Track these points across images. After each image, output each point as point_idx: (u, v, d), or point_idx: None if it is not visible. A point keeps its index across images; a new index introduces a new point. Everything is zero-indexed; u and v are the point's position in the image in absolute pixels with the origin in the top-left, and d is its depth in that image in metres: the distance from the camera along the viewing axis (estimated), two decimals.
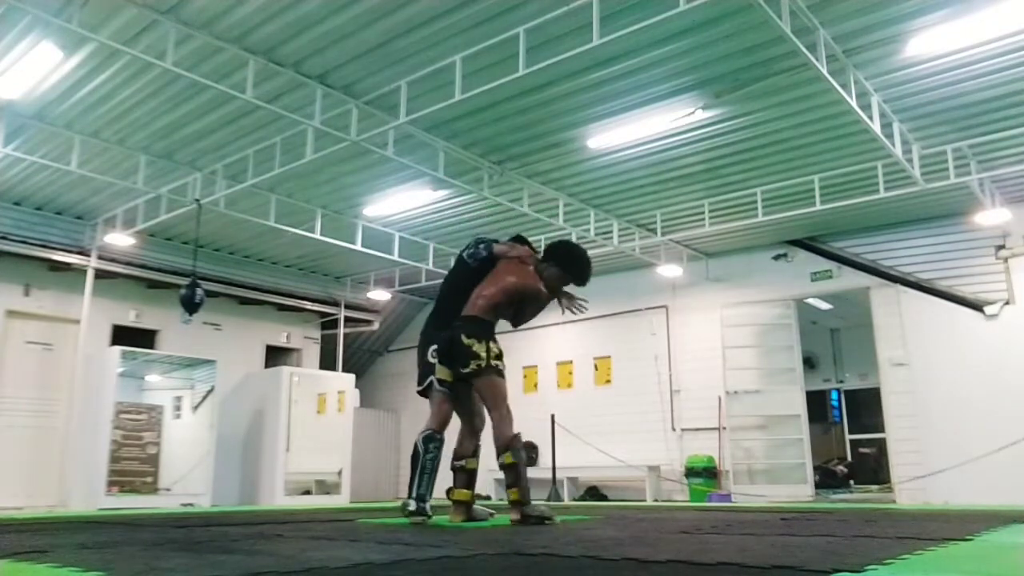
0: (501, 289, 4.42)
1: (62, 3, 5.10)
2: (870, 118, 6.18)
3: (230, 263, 11.01)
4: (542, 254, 4.74)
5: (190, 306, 8.31)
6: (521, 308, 4.54)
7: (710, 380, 10.32)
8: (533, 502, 4.21)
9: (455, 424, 4.59)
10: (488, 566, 2.23)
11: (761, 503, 8.72)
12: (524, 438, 4.53)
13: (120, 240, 9.18)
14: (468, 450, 4.51)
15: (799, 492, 9.44)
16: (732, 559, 2.31)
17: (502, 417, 4.24)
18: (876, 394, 9.79)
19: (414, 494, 4.33)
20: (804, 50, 5.16)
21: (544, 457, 11.15)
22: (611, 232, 9.64)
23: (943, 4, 5.19)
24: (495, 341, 4.33)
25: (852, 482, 12.43)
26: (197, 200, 8.20)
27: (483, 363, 4.22)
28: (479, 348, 4.23)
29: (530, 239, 4.99)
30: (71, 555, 2.54)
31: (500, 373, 4.29)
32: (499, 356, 4.30)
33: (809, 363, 12.95)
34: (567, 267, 4.61)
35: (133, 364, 9.76)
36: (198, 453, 9.74)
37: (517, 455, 4.17)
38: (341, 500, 10.59)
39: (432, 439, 4.40)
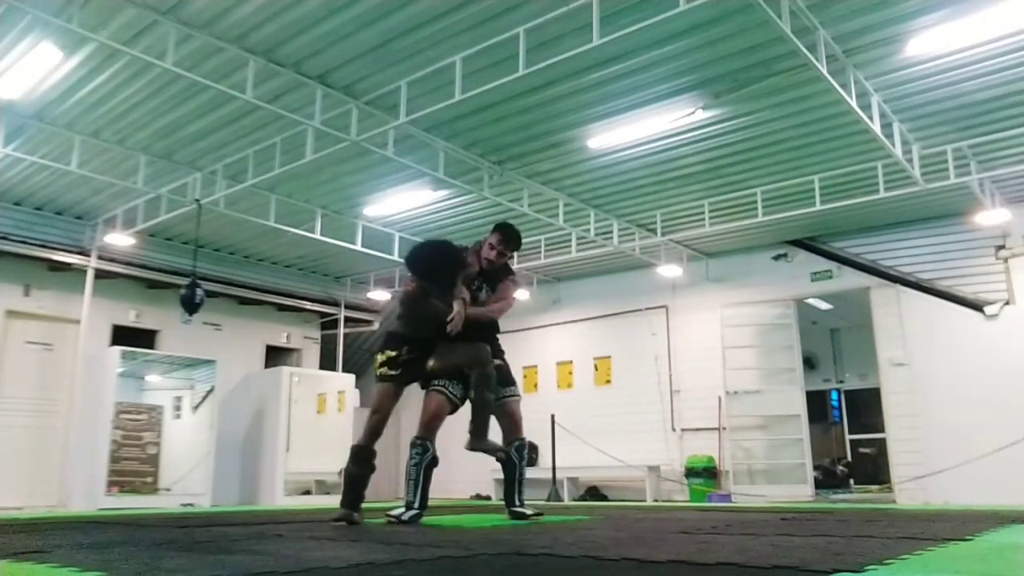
0: None
1: (62, 3, 5.10)
2: (870, 118, 6.18)
3: (230, 263, 11.01)
4: None
5: (190, 306, 8.32)
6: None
7: (710, 380, 10.31)
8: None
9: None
10: (488, 566, 2.23)
11: (761, 503, 8.72)
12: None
13: (120, 240, 9.18)
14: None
15: (799, 492, 9.43)
16: (732, 559, 2.31)
17: (367, 424, 4.47)
18: (876, 394, 9.78)
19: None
20: (804, 50, 5.16)
21: (544, 457, 11.13)
22: (611, 232, 9.63)
23: (943, 4, 5.19)
24: (394, 348, 4.45)
25: (852, 482, 12.42)
26: (197, 200, 8.20)
27: (376, 371, 4.50)
28: (379, 356, 4.52)
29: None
30: (71, 555, 2.54)
31: (382, 378, 4.45)
32: (385, 363, 4.43)
33: (809, 363, 12.93)
34: (425, 279, 4.45)
35: (133, 364, 9.77)
36: (198, 453, 9.73)
37: (348, 465, 4.47)
38: None
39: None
